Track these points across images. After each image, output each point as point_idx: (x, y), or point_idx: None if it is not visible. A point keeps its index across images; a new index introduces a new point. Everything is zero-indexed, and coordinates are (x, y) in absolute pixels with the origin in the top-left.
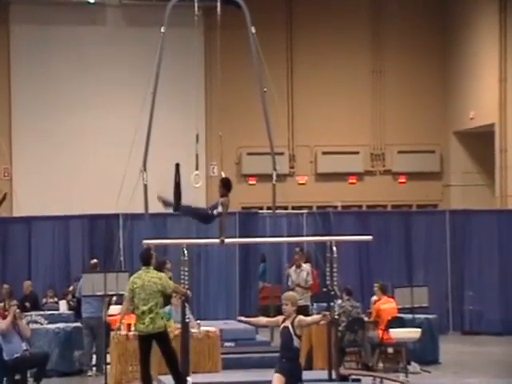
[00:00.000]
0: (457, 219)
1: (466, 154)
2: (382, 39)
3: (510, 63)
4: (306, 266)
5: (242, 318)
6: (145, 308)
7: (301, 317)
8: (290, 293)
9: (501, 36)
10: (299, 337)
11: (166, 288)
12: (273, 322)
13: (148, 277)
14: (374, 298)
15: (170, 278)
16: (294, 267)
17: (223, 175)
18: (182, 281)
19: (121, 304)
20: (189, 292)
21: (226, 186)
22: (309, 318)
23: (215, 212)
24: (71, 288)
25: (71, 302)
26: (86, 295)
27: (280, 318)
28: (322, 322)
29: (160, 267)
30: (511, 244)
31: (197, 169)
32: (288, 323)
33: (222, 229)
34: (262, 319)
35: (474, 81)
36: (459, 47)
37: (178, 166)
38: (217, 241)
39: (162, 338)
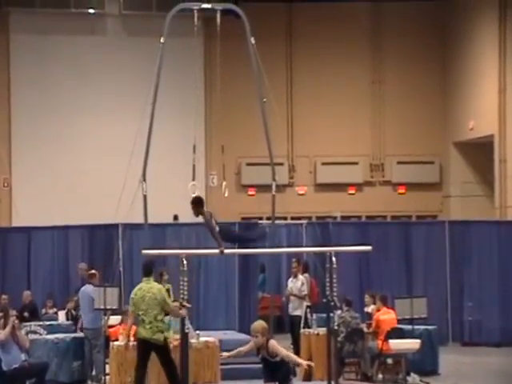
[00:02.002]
0: (456, 230)
1: (466, 164)
2: (381, 49)
3: (509, 74)
4: (302, 277)
5: (225, 354)
6: (145, 318)
7: (273, 343)
8: (258, 323)
9: (500, 47)
10: (280, 358)
11: (163, 304)
12: (251, 348)
13: (147, 287)
14: (368, 309)
15: (168, 290)
16: (291, 277)
17: (224, 185)
18: (182, 291)
19: (117, 315)
20: (184, 313)
21: (197, 203)
22: (284, 352)
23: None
24: (76, 298)
25: (73, 311)
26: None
27: (251, 347)
28: (321, 333)
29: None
30: (511, 255)
31: (193, 179)
32: (264, 353)
33: (218, 240)
34: (242, 349)
35: (474, 91)
36: (459, 58)
37: (176, 217)
38: (216, 251)
39: (160, 350)
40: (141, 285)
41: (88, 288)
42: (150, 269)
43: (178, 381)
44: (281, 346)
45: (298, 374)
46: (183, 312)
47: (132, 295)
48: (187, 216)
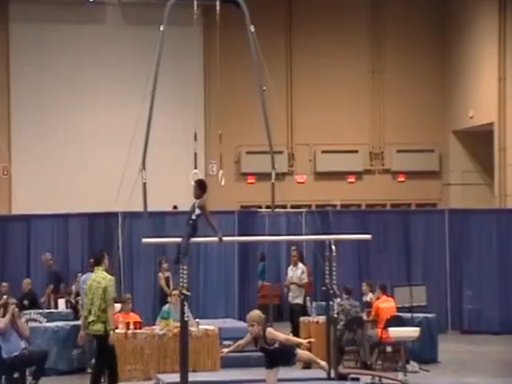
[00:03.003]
0: (456, 218)
1: (465, 153)
2: (381, 38)
3: (509, 62)
4: (301, 265)
5: (224, 350)
6: (91, 307)
7: (270, 330)
8: (254, 312)
9: (500, 35)
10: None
11: (106, 293)
12: (249, 340)
13: (95, 276)
14: (366, 298)
15: (168, 278)
16: (291, 265)
17: (221, 174)
18: (181, 279)
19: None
20: (112, 315)
21: (201, 186)
22: (282, 336)
23: (193, 216)
24: (73, 287)
25: (72, 300)
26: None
27: (249, 338)
28: (320, 321)
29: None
30: (510, 243)
31: (195, 167)
32: (262, 343)
33: (214, 227)
34: (240, 342)
35: (474, 80)
36: (459, 46)
37: (175, 208)
38: (216, 239)
39: (99, 342)
40: (91, 274)
41: (89, 276)
42: (100, 258)
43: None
44: (278, 332)
45: (298, 364)
46: (115, 309)
47: (84, 285)
48: (187, 205)
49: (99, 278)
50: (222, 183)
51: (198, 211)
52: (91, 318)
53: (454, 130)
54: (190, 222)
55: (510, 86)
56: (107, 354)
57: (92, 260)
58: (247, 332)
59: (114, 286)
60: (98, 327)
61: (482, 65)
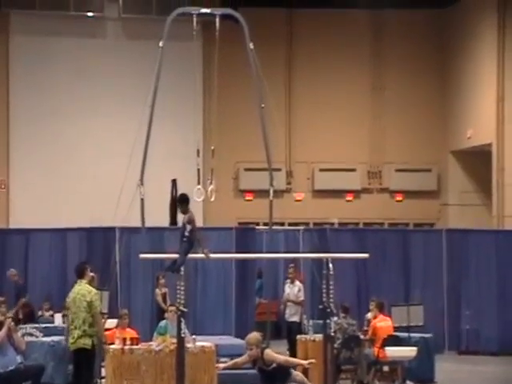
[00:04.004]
0: (454, 238)
1: (464, 173)
2: (381, 57)
3: (507, 83)
4: (298, 283)
5: (220, 366)
6: (75, 321)
7: (268, 352)
8: (252, 335)
9: (499, 55)
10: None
11: (91, 307)
12: (246, 361)
13: (78, 289)
14: (369, 315)
15: (165, 294)
16: (288, 283)
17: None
18: (178, 295)
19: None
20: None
21: (184, 201)
22: (281, 358)
23: (186, 233)
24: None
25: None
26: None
27: (248, 357)
28: (317, 339)
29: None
30: (508, 264)
31: (199, 183)
32: (260, 364)
33: (201, 243)
34: (237, 361)
35: (473, 100)
36: (458, 66)
37: (174, 181)
38: (214, 256)
39: (85, 355)
40: (74, 287)
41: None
42: (82, 271)
43: None
44: (276, 353)
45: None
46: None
47: (67, 298)
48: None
49: (83, 290)
50: (212, 199)
51: (189, 227)
52: (77, 333)
53: (453, 150)
54: (185, 239)
55: (509, 107)
56: (90, 369)
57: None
58: (245, 349)
59: (99, 300)
60: (86, 341)
61: (480, 85)
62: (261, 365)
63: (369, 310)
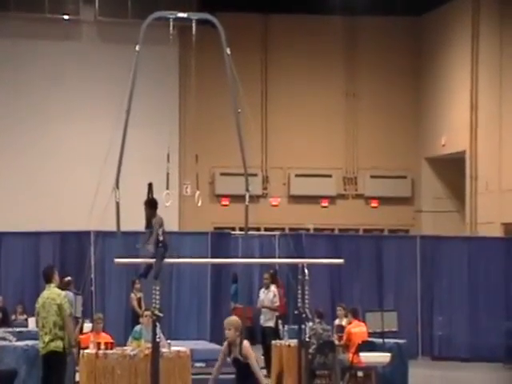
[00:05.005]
0: (427, 244)
1: (437, 180)
2: (356, 63)
3: (481, 91)
4: (274, 288)
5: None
6: (45, 325)
7: (246, 344)
8: (233, 317)
9: (473, 63)
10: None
11: (61, 309)
12: (223, 357)
13: (47, 294)
14: (337, 321)
15: (140, 299)
16: (263, 288)
17: (197, 195)
18: (154, 300)
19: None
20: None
21: (151, 205)
22: (254, 360)
23: (160, 237)
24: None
25: None
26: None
27: (224, 347)
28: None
29: (64, 287)
30: (480, 270)
31: (167, 188)
32: (237, 353)
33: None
34: (218, 364)
35: (446, 107)
36: (432, 73)
37: (150, 185)
38: (190, 260)
39: (56, 359)
40: (43, 292)
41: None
42: (49, 275)
43: None
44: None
45: None
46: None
47: (36, 304)
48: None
49: (53, 294)
50: (199, 204)
51: (160, 230)
52: (48, 338)
53: (427, 156)
54: (160, 244)
55: (482, 115)
56: (61, 372)
57: (43, 278)
58: (219, 353)
59: (68, 303)
60: (58, 344)
61: (454, 93)
62: (237, 354)
63: (337, 317)
